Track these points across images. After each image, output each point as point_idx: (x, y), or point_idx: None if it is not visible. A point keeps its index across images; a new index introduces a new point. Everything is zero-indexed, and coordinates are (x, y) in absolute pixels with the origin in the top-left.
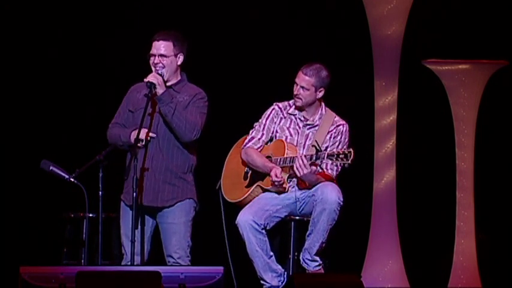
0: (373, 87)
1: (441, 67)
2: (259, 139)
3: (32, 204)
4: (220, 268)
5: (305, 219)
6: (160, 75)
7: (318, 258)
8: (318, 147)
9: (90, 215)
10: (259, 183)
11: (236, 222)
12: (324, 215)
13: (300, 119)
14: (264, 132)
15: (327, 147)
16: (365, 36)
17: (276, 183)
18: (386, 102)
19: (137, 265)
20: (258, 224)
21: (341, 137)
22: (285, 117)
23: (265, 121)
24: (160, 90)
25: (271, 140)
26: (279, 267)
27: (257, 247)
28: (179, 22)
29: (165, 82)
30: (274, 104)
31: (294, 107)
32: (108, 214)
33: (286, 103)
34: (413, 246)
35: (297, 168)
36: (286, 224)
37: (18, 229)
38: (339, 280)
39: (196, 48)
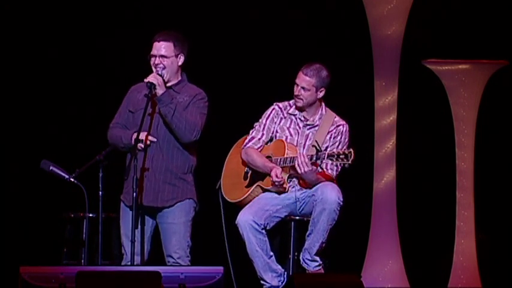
0: (373, 87)
1: (441, 67)
2: (259, 139)
3: (32, 204)
4: (220, 268)
5: (305, 219)
6: (161, 75)
7: (318, 258)
8: (318, 147)
9: (90, 215)
10: (259, 183)
11: (236, 222)
12: (324, 215)
13: (300, 119)
14: (264, 132)
15: (327, 147)
16: (365, 36)
17: (277, 183)
18: (386, 102)
19: (137, 265)
20: (258, 224)
21: (341, 137)
22: (285, 117)
23: (266, 121)
24: (160, 91)
25: (271, 140)
26: (279, 267)
27: (257, 247)
28: (179, 22)
29: (165, 82)
30: (275, 104)
31: (294, 107)
32: (108, 214)
33: (286, 103)
34: (413, 246)
35: (298, 165)
36: (286, 224)
37: (18, 229)
38: (339, 280)
39: (197, 48)
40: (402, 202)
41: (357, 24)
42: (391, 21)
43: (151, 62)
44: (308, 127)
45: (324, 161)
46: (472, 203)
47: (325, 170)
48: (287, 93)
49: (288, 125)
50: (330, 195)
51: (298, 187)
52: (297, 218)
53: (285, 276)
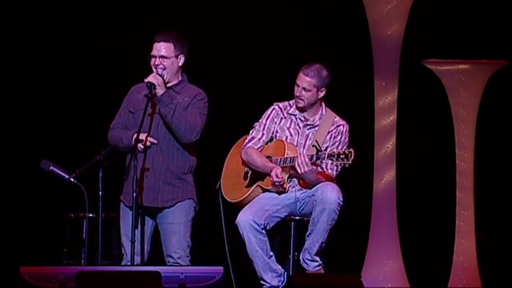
0: (373, 87)
1: (441, 67)
2: (259, 139)
3: (32, 204)
4: (220, 268)
5: (305, 219)
6: (161, 75)
7: (318, 258)
8: (318, 147)
9: (90, 215)
10: (259, 183)
11: (236, 222)
12: (324, 215)
13: (300, 119)
14: (264, 132)
15: (327, 147)
16: (365, 36)
17: (277, 183)
18: (386, 102)
19: (137, 265)
20: (258, 224)
21: (341, 137)
22: (285, 117)
23: (266, 121)
24: (160, 91)
25: (271, 140)
26: (279, 267)
27: (257, 247)
28: (179, 22)
29: (165, 83)
30: (275, 104)
31: (294, 107)
32: (108, 214)
33: (286, 103)
34: (413, 246)
35: (298, 165)
36: (286, 224)
37: (18, 229)
38: (339, 280)
39: (197, 48)
40: (402, 202)
41: (357, 24)
42: (391, 21)
43: (152, 63)
44: (308, 127)
45: (324, 161)
46: (472, 203)
47: (325, 169)
48: (287, 93)
49: (288, 125)
50: (330, 195)
51: (298, 187)
52: (297, 218)
53: (285, 276)
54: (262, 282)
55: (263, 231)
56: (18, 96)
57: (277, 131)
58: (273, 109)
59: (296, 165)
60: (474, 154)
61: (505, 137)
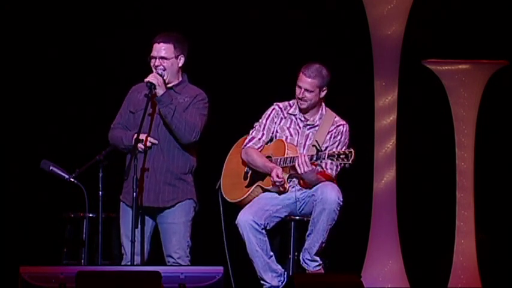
0: (373, 87)
1: (441, 67)
2: (259, 139)
3: (32, 204)
4: (220, 268)
5: (305, 219)
6: (161, 75)
7: (318, 258)
8: (318, 147)
9: (90, 215)
10: (259, 183)
11: (236, 222)
12: (324, 215)
13: (300, 119)
14: (264, 132)
15: (327, 147)
16: (365, 36)
17: (277, 183)
18: (386, 102)
19: (137, 265)
20: (258, 224)
21: (341, 137)
22: (285, 117)
23: (266, 121)
24: (160, 91)
25: (271, 140)
26: (279, 267)
27: (257, 247)
28: (179, 22)
29: (165, 83)
30: (275, 104)
31: (294, 107)
32: (108, 214)
33: (286, 103)
34: (413, 246)
35: (298, 165)
36: (286, 224)
37: (18, 229)
38: (339, 280)
39: (197, 48)
40: (402, 202)
41: (357, 24)
42: (391, 21)
43: (152, 64)
44: (308, 127)
45: (323, 161)
46: (472, 203)
47: (325, 169)
48: (287, 93)
49: (288, 125)
50: (330, 195)
51: (298, 187)
52: (297, 218)
53: (285, 276)
54: (262, 282)
55: (263, 231)
56: (18, 96)
57: (277, 131)
58: (273, 109)
59: (296, 165)
60: (474, 154)
61: (505, 137)
